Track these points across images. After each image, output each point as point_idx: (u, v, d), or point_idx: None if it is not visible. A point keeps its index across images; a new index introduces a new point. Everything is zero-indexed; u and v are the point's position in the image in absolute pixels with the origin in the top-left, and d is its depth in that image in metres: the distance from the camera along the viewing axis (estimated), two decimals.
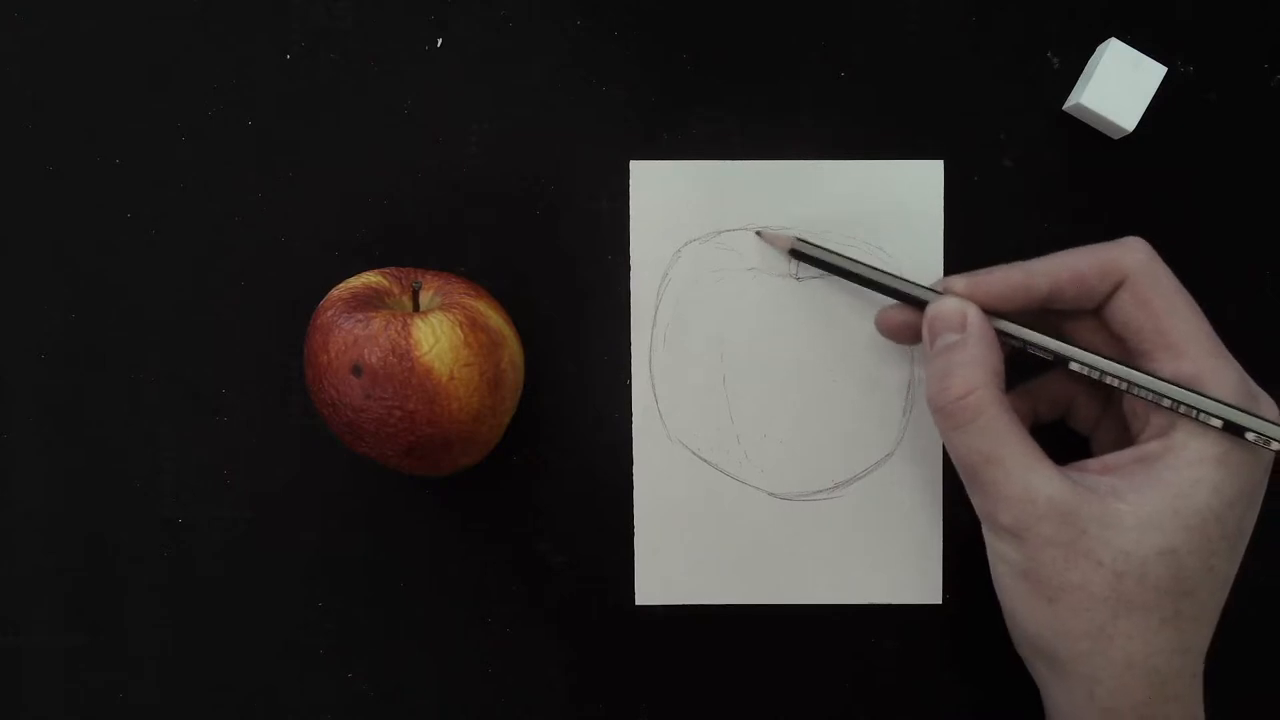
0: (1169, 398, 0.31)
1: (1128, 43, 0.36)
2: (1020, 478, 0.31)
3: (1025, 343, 0.33)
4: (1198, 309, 0.32)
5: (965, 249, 0.37)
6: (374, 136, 0.38)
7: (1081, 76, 0.37)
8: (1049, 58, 0.38)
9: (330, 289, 0.34)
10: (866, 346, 0.38)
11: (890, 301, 0.36)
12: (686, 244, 0.38)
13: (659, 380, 0.38)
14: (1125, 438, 0.35)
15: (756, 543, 0.38)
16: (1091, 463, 0.32)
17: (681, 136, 0.38)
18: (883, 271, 0.35)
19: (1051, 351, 0.33)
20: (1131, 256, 0.32)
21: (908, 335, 0.35)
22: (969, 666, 0.38)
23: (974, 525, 0.37)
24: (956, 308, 0.33)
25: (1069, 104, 0.37)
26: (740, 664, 0.38)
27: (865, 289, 0.36)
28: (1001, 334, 0.33)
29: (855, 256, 0.36)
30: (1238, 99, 0.37)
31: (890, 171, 0.37)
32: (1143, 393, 0.31)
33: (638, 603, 0.38)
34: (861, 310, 0.37)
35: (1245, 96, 0.38)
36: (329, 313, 0.33)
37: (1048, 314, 0.34)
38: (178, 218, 0.38)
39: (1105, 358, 0.32)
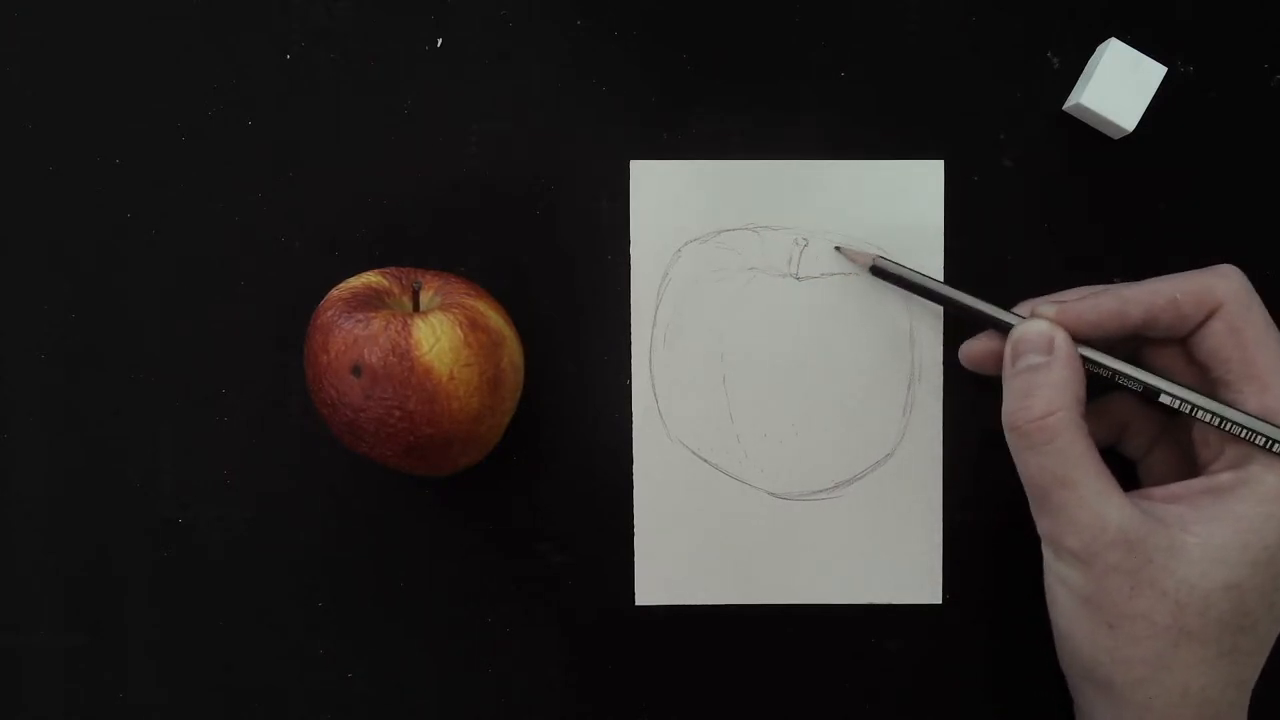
0: (1262, 434, 0.30)
1: (1128, 43, 0.36)
2: (1092, 503, 0.30)
3: (1115, 373, 0.33)
4: None
5: (965, 249, 0.37)
6: (374, 136, 0.38)
7: (1081, 76, 0.37)
8: (1049, 58, 0.38)
9: (330, 289, 0.34)
10: (866, 346, 0.38)
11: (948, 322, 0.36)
12: (686, 244, 0.38)
13: (659, 380, 0.38)
14: (1182, 465, 0.35)
15: (756, 543, 0.38)
16: (1158, 491, 0.32)
17: (681, 136, 0.38)
18: (967, 294, 0.35)
19: (1142, 383, 0.33)
20: (1227, 285, 0.32)
21: (992, 364, 0.35)
22: (969, 666, 0.38)
23: (974, 525, 0.37)
24: (1044, 330, 0.32)
25: (1069, 104, 0.37)
26: (740, 664, 0.38)
27: (925, 297, 0.36)
28: (1090, 363, 0.33)
29: (938, 283, 0.36)
30: (1238, 99, 0.37)
31: (890, 171, 0.37)
32: (1235, 429, 0.31)
33: (638, 603, 0.38)
34: (861, 310, 0.37)
35: (1245, 96, 0.38)
36: (329, 313, 0.33)
37: (1126, 339, 0.33)
38: (178, 218, 0.38)
39: (1198, 392, 0.32)
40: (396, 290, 0.34)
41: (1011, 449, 0.32)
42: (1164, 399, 0.32)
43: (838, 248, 0.37)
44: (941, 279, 0.37)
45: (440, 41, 0.38)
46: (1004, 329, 0.34)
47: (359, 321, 0.32)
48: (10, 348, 0.38)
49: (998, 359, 0.34)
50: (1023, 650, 0.38)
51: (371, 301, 0.33)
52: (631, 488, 0.38)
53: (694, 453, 0.38)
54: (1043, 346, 0.32)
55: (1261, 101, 0.38)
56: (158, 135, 0.38)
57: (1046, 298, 0.34)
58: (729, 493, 0.38)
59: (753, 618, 0.38)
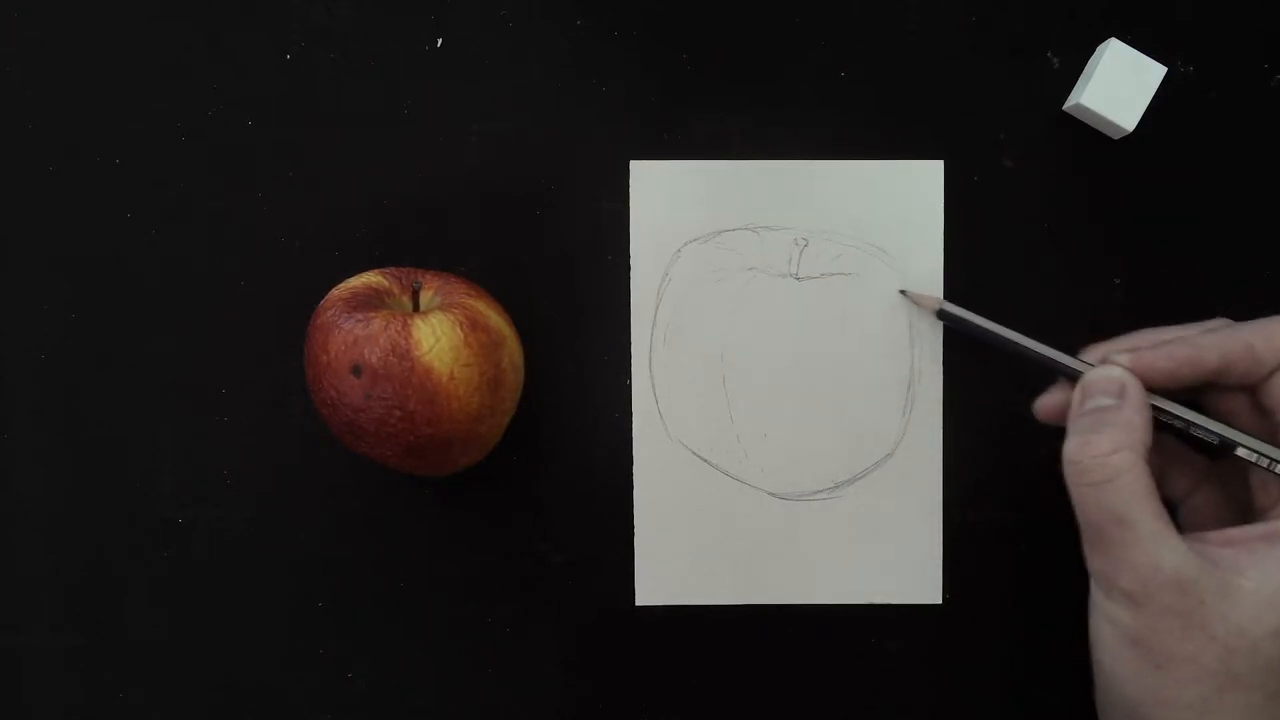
0: None
1: (1128, 43, 0.36)
2: (1148, 544, 0.30)
3: (1189, 424, 0.33)
4: None
5: (965, 249, 0.37)
6: (374, 136, 0.38)
7: (1081, 76, 0.37)
8: (1049, 58, 0.38)
9: (330, 289, 0.34)
10: (866, 346, 0.38)
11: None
12: (686, 244, 0.38)
13: (659, 380, 0.38)
14: (1226, 507, 0.34)
15: (756, 543, 0.38)
16: (1214, 535, 0.32)
17: (681, 136, 0.38)
18: (1034, 341, 0.35)
19: (1218, 436, 0.32)
20: None
21: (1065, 414, 0.34)
22: (969, 666, 0.38)
23: (974, 525, 0.37)
24: (1118, 376, 0.32)
25: (1069, 104, 0.37)
26: (740, 664, 0.38)
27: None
28: (1162, 412, 0.33)
29: (1003, 328, 0.36)
30: (1238, 99, 0.37)
31: (890, 171, 0.37)
32: None
33: (638, 603, 0.38)
34: (861, 310, 0.37)
35: (1245, 96, 0.38)
36: (329, 313, 0.33)
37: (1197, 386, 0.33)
38: (178, 218, 0.38)
39: (1274, 445, 0.32)
40: (396, 290, 0.34)
41: (1070, 485, 0.32)
42: (1240, 452, 0.32)
43: (903, 291, 0.37)
44: (1017, 332, 0.35)
45: (440, 41, 0.38)
46: (1074, 376, 0.33)
47: (359, 321, 0.32)
48: (10, 348, 0.38)
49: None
50: (1023, 650, 0.38)
51: (371, 301, 0.33)
52: (631, 488, 0.38)
53: (694, 453, 0.38)
54: (1114, 390, 0.32)
55: (1261, 101, 0.38)
56: (158, 135, 0.38)
57: (1118, 343, 0.33)
58: (729, 493, 0.38)
59: (753, 618, 0.38)
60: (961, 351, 0.37)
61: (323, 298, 0.34)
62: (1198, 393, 0.34)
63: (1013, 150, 0.38)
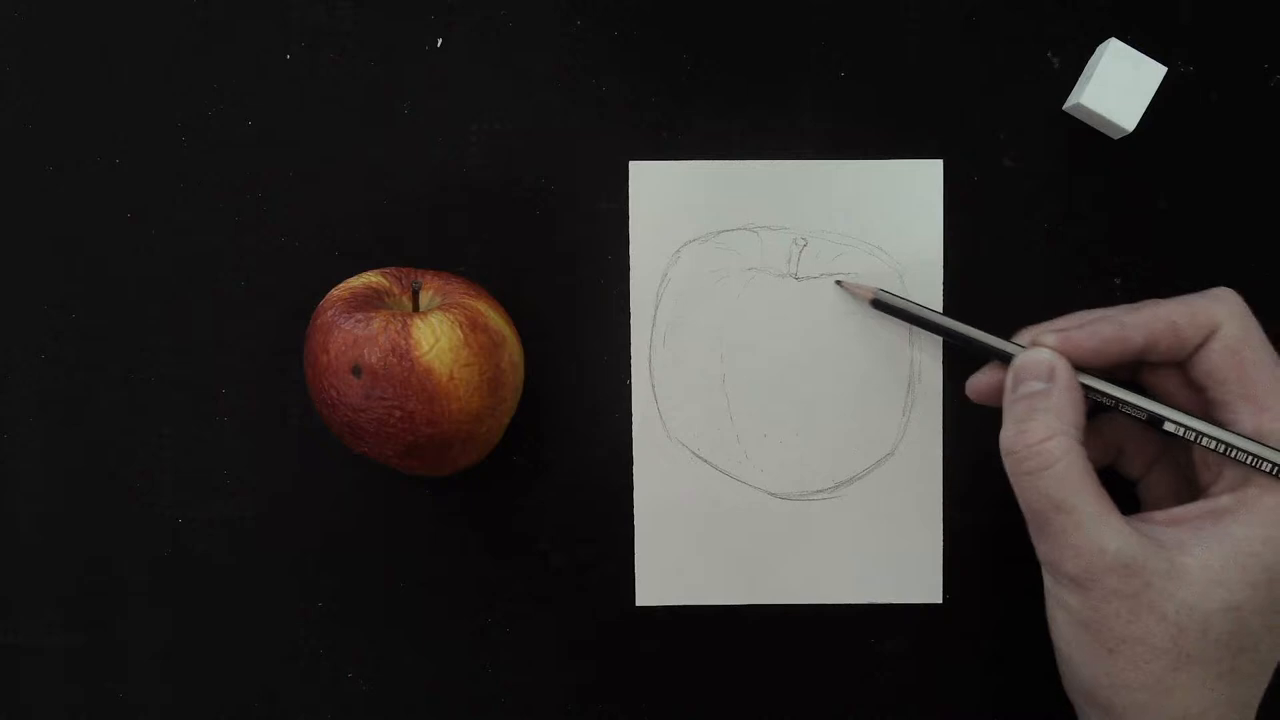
0: (1264, 459, 0.30)
1: (1128, 43, 0.36)
2: (1090, 528, 0.30)
3: (1118, 400, 0.33)
4: None
5: (965, 249, 0.37)
6: (374, 136, 0.38)
7: (1081, 76, 0.37)
8: (1049, 58, 0.38)
9: (330, 289, 0.34)
10: (866, 346, 0.38)
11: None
12: (686, 244, 0.38)
13: (659, 380, 0.38)
14: (1180, 485, 0.35)
15: (756, 543, 0.38)
16: (1159, 515, 0.32)
17: (681, 136, 0.38)
18: (967, 325, 0.35)
19: (1146, 411, 0.33)
20: (1224, 307, 0.32)
21: (997, 395, 0.34)
22: (969, 666, 0.38)
23: (974, 525, 0.37)
24: (1045, 359, 0.32)
25: (1069, 104, 0.37)
26: (741, 664, 0.38)
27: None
28: (1092, 391, 0.33)
29: (936, 310, 0.36)
30: (1238, 99, 0.37)
31: (890, 171, 0.37)
32: (1240, 455, 0.31)
33: (638, 603, 0.38)
34: (861, 310, 0.37)
35: (1245, 96, 0.38)
36: (329, 313, 0.33)
37: (1126, 364, 0.33)
38: (178, 218, 0.38)
39: (1199, 418, 0.32)
40: (396, 290, 0.34)
41: (1009, 474, 0.32)
42: (1168, 426, 0.32)
43: (838, 282, 0.37)
44: (941, 310, 0.37)
45: (440, 41, 0.38)
46: (1006, 359, 0.34)
47: (359, 321, 0.32)
48: (10, 348, 0.38)
49: (1002, 390, 0.34)
50: (1023, 650, 0.38)
51: (371, 301, 0.33)
52: (631, 488, 0.38)
53: (694, 453, 0.38)
54: (1043, 374, 0.32)
55: (1261, 101, 0.38)
56: (158, 135, 0.38)
57: (1046, 325, 0.34)
58: (729, 493, 0.38)
59: (753, 618, 0.38)
60: (961, 351, 0.37)
61: (323, 298, 0.34)
62: (1134, 372, 0.34)
63: (1013, 150, 0.38)
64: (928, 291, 0.37)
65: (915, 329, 0.37)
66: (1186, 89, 0.37)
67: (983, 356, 0.35)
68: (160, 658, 0.38)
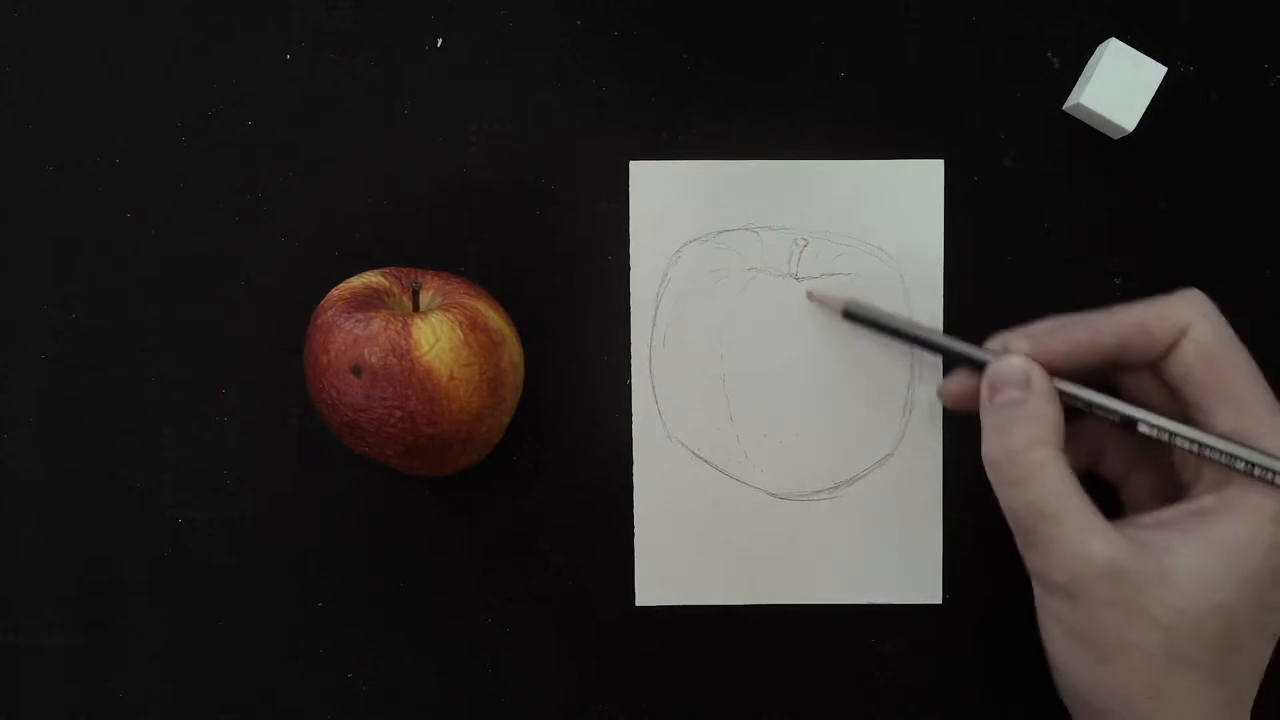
0: (1240, 458, 0.30)
1: (1128, 43, 0.36)
2: (1077, 536, 0.30)
3: (1091, 404, 0.33)
4: (1254, 364, 0.32)
5: (965, 249, 0.37)
6: (374, 136, 0.38)
7: (1081, 76, 0.37)
8: (1049, 58, 0.38)
9: (330, 289, 0.34)
10: (866, 346, 0.38)
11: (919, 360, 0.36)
12: (686, 244, 0.38)
13: (659, 380, 0.38)
14: (1162, 486, 0.34)
15: (757, 543, 0.38)
16: (1144, 518, 0.32)
17: (681, 136, 0.38)
18: (939, 333, 0.35)
19: (1119, 414, 0.33)
20: (1193, 308, 0.32)
21: (971, 401, 0.34)
22: (969, 667, 0.38)
23: (974, 525, 0.37)
24: (1020, 366, 0.32)
25: (1069, 104, 0.37)
26: (740, 664, 0.38)
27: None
28: (1066, 395, 0.33)
29: (908, 319, 0.36)
30: (1238, 99, 0.37)
31: (891, 171, 0.37)
32: (1214, 454, 0.31)
33: (638, 603, 0.38)
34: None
35: (1245, 96, 0.38)
36: (329, 313, 0.33)
37: (1099, 367, 0.33)
38: (178, 218, 0.38)
39: (1173, 419, 0.32)
40: (396, 290, 0.34)
41: (993, 484, 0.32)
42: (1142, 428, 0.32)
43: (810, 294, 0.37)
44: (940, 311, 0.37)
45: (440, 41, 0.38)
46: (980, 366, 0.34)
47: (359, 321, 0.32)
48: (10, 348, 0.38)
49: (976, 397, 0.34)
50: (1023, 650, 0.38)
51: (371, 301, 0.33)
52: (631, 488, 0.38)
53: (694, 453, 0.38)
54: (1019, 381, 0.32)
55: (1261, 101, 0.38)
56: (158, 135, 0.38)
57: (1017, 331, 0.34)
58: (729, 493, 0.38)
59: (753, 618, 0.38)
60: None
61: (323, 298, 0.34)
62: (1109, 376, 0.34)
63: (1013, 150, 0.38)
64: (928, 292, 0.37)
65: None
66: (1186, 89, 0.37)
67: (958, 363, 0.35)
68: (160, 658, 0.38)
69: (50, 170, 0.38)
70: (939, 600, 0.38)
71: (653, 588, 0.38)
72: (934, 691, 0.38)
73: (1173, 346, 0.32)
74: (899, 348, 0.37)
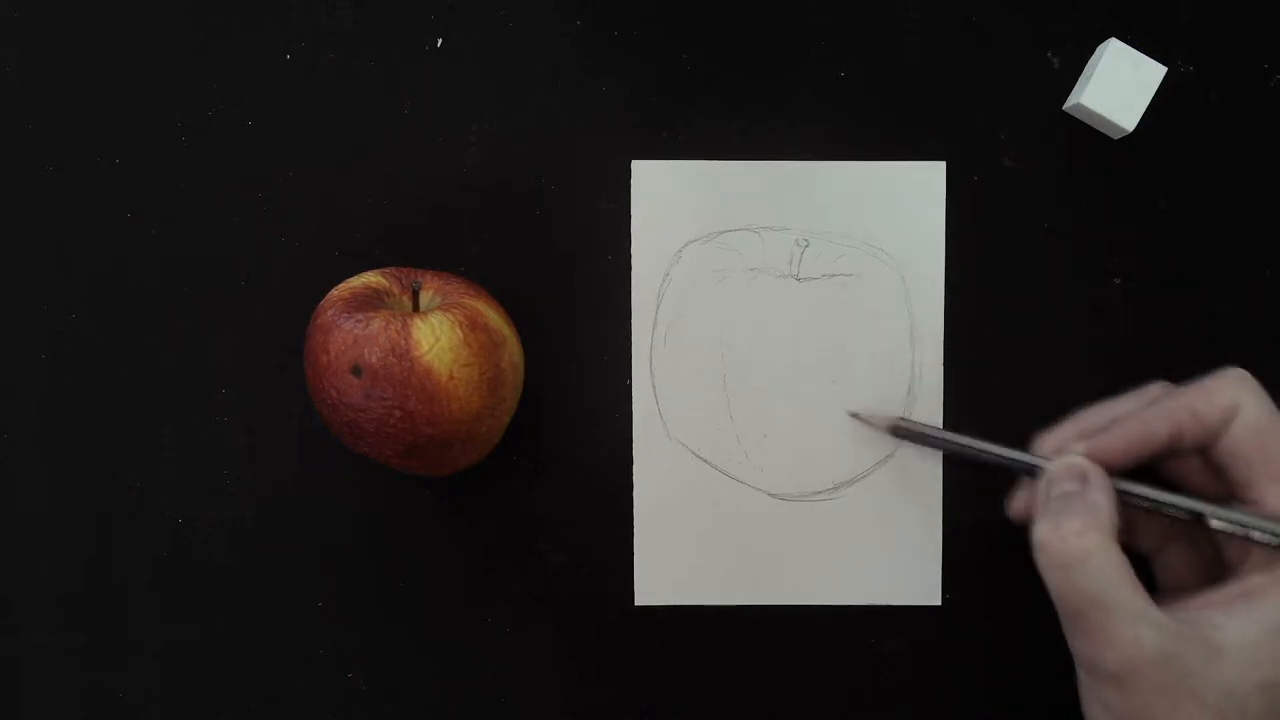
0: None
1: (1128, 43, 0.36)
2: (1129, 623, 0.30)
3: (1158, 503, 0.33)
4: None
5: (965, 249, 0.37)
6: (374, 136, 0.38)
7: (1081, 76, 0.37)
8: (1049, 58, 0.38)
9: (330, 289, 0.34)
10: (867, 347, 0.38)
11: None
12: (688, 244, 0.38)
13: (659, 380, 0.38)
14: (1197, 559, 0.34)
15: (756, 543, 0.38)
16: (1194, 600, 0.32)
17: (681, 136, 0.38)
18: (995, 444, 0.35)
19: (1188, 510, 0.32)
20: (1241, 388, 0.32)
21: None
22: (968, 668, 0.38)
23: (974, 526, 0.37)
24: (1079, 464, 0.32)
25: (1069, 104, 0.37)
26: (740, 665, 0.38)
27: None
28: (1130, 495, 0.33)
29: (956, 434, 0.36)
30: (1238, 99, 0.37)
31: (893, 173, 0.37)
32: (1270, 538, 0.31)
33: (638, 603, 0.38)
34: (861, 310, 0.37)
35: (1245, 96, 0.37)
36: (329, 313, 0.33)
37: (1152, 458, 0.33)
38: (177, 218, 0.38)
39: (1248, 513, 0.32)
40: (396, 290, 0.34)
41: (1043, 571, 0.32)
42: (1214, 524, 0.32)
43: (855, 415, 0.37)
44: (975, 439, 0.36)
45: (440, 41, 0.38)
46: (1033, 473, 0.34)
47: (359, 321, 0.32)
48: (10, 348, 0.38)
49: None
50: (1023, 650, 0.38)
51: (371, 301, 0.33)
52: (631, 488, 0.38)
53: (694, 453, 0.38)
54: (1076, 476, 0.32)
55: (1261, 101, 0.38)
56: (158, 135, 0.38)
57: (1069, 431, 0.34)
58: (729, 493, 0.38)
59: (752, 618, 0.38)
60: (965, 359, 0.37)
61: (323, 298, 0.34)
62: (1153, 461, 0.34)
63: (1013, 150, 0.38)
64: (929, 292, 0.37)
65: (916, 331, 0.37)
66: (1186, 89, 0.37)
67: (1011, 473, 0.35)
68: (160, 658, 0.38)
69: (50, 170, 0.38)
70: (939, 601, 0.38)
71: (652, 588, 0.38)
72: (934, 691, 0.38)
73: (1222, 428, 0.32)
74: (900, 349, 0.37)
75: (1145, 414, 0.33)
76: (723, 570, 0.38)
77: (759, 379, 0.38)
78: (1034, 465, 0.34)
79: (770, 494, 0.38)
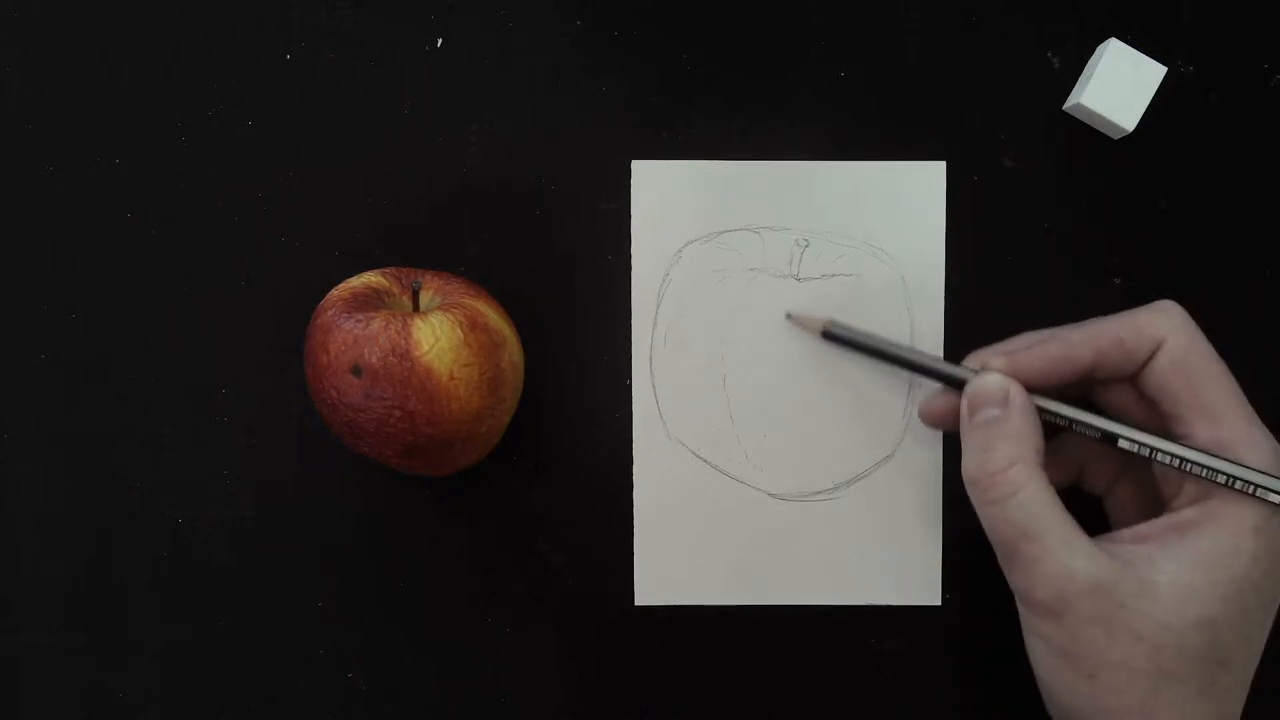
0: (1221, 472, 0.30)
1: (1128, 43, 0.36)
2: (1059, 554, 0.30)
3: (1071, 420, 0.33)
4: (1230, 374, 0.32)
5: (965, 249, 0.37)
6: (374, 136, 0.38)
7: (1081, 76, 0.37)
8: (1049, 58, 0.38)
9: (330, 289, 0.34)
10: None
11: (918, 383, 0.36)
12: (688, 244, 0.38)
13: (659, 380, 0.38)
14: (1145, 499, 0.34)
15: (756, 543, 0.38)
16: (1125, 533, 0.32)
17: (681, 136, 0.38)
18: (917, 352, 0.35)
19: (1099, 429, 0.32)
20: (1168, 320, 0.32)
21: (951, 421, 0.34)
22: (968, 668, 0.38)
23: (974, 526, 0.37)
24: (998, 384, 0.32)
25: (1069, 104, 0.37)
26: (740, 664, 0.38)
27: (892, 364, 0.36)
28: (1046, 412, 0.33)
29: (887, 339, 0.36)
30: (1238, 99, 0.37)
31: (893, 173, 0.37)
32: (1194, 468, 0.31)
33: (637, 603, 0.38)
34: (862, 310, 0.37)
35: (1245, 96, 0.38)
36: (329, 313, 0.33)
37: (1076, 382, 0.33)
38: (178, 218, 0.38)
39: (1153, 433, 0.32)
40: (396, 290, 0.34)
41: (974, 504, 0.32)
42: (1122, 444, 0.32)
43: (788, 315, 0.37)
44: (899, 344, 0.36)
45: (440, 41, 0.38)
46: (958, 384, 0.34)
47: (359, 321, 0.32)
48: (10, 348, 0.38)
49: (956, 416, 0.34)
50: (1021, 652, 0.38)
51: (371, 301, 0.33)
52: (631, 488, 0.38)
53: (694, 453, 0.38)
54: (997, 399, 0.32)
55: (1261, 101, 0.38)
56: (158, 135, 0.38)
57: (994, 348, 0.34)
58: (729, 493, 0.38)
59: (752, 618, 0.38)
60: (962, 351, 0.37)
61: (323, 298, 0.34)
62: (1086, 390, 0.34)
63: (1013, 150, 0.38)
64: (929, 292, 0.37)
65: (916, 331, 0.37)
66: (1186, 89, 0.37)
67: (937, 381, 0.35)
68: (160, 658, 0.38)
69: (50, 170, 0.38)
70: (938, 601, 0.38)
71: (652, 588, 0.38)
72: (934, 691, 0.38)
73: (1149, 359, 0.32)
74: None
75: (1069, 335, 0.32)
76: (723, 570, 0.38)
77: (759, 379, 0.38)
78: (957, 376, 0.34)
79: (770, 494, 0.38)
